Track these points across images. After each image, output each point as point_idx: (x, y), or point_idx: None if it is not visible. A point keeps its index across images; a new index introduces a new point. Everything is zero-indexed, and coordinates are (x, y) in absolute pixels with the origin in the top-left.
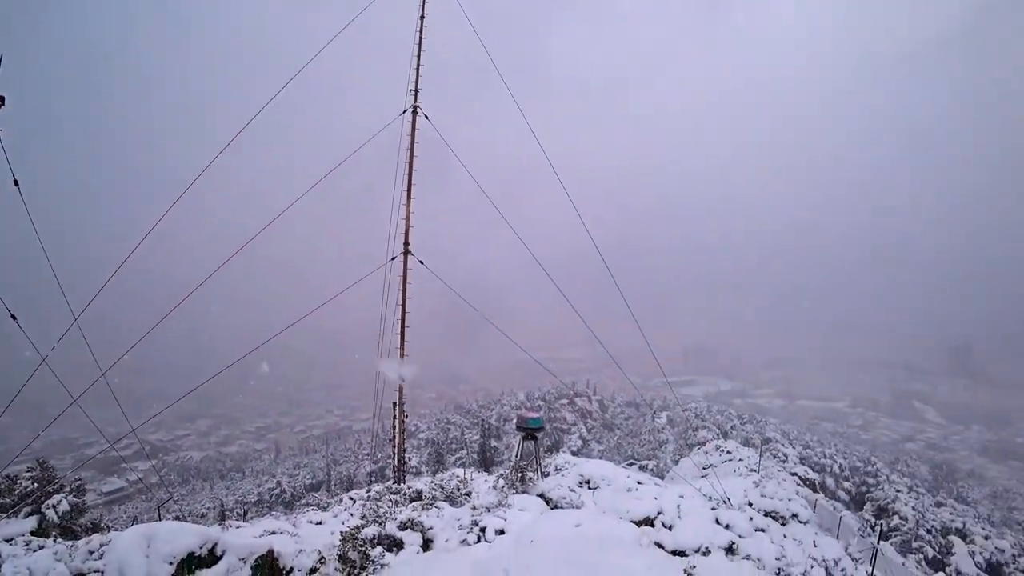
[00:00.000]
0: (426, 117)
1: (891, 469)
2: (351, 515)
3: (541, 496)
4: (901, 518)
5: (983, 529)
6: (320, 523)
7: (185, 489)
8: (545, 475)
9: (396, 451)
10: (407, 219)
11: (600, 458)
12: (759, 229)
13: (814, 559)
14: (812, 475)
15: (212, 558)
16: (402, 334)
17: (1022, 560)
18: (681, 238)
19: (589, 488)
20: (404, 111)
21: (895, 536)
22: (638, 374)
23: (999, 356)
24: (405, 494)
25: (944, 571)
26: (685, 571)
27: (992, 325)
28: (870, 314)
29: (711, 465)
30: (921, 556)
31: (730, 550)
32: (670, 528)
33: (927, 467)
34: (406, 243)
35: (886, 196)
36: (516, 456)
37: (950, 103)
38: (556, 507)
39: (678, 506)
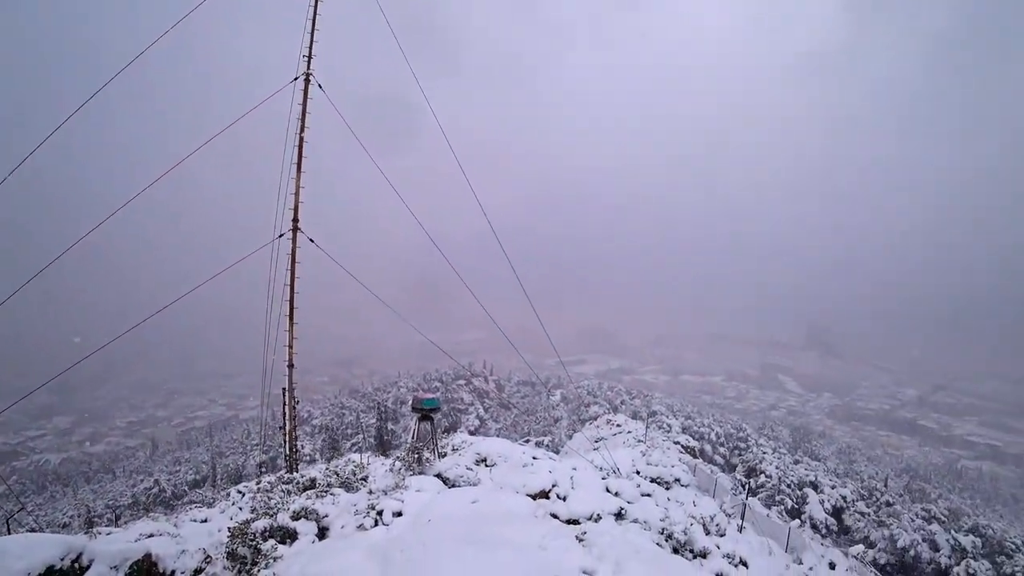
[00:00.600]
0: (319, 86)
1: (759, 434)
2: (240, 509)
3: (439, 476)
4: (766, 476)
5: (830, 480)
6: (206, 520)
7: (42, 497)
8: (443, 455)
9: (287, 439)
10: (296, 194)
11: (497, 436)
12: (651, 223)
13: (693, 517)
14: (693, 443)
15: (77, 570)
16: (291, 317)
17: (859, 504)
18: (581, 226)
19: (486, 466)
20: (295, 78)
21: (761, 492)
22: (534, 354)
23: (845, 333)
24: (298, 483)
25: (800, 518)
26: (577, 537)
27: (840, 307)
28: (743, 298)
29: (602, 438)
30: (782, 507)
31: (619, 515)
32: (564, 499)
33: (788, 430)
34: (295, 220)
35: (762, 198)
36: (412, 438)
37: (823, 113)
38: (454, 486)
39: (571, 478)
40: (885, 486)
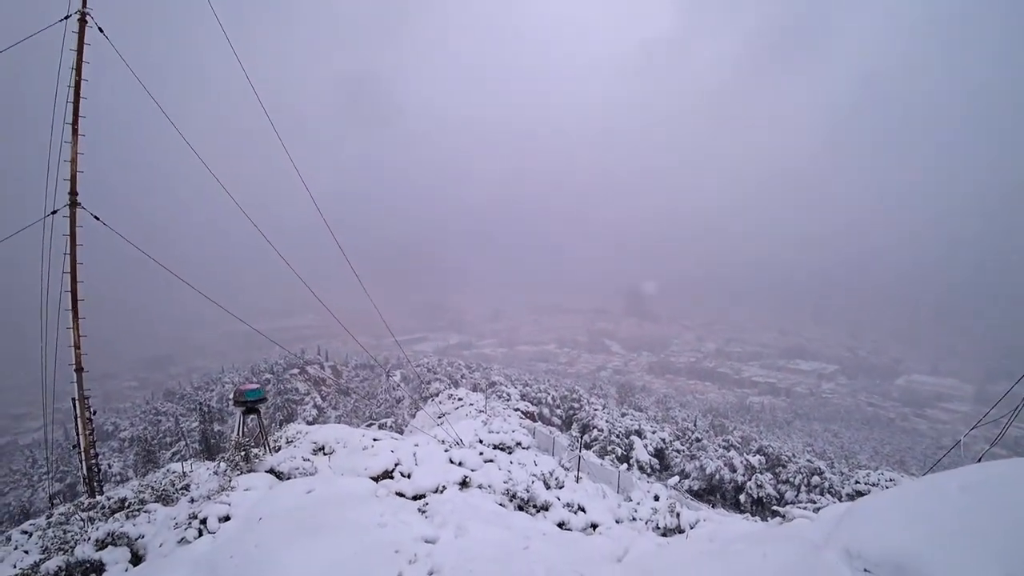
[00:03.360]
0: (100, 30)
1: (590, 394)
2: (26, 553)
3: (271, 472)
4: (599, 430)
5: (651, 427)
6: None
7: None
8: (276, 449)
9: (83, 457)
10: (73, 161)
11: (338, 423)
12: (481, 201)
13: (535, 475)
14: (532, 408)
15: None
16: (74, 312)
17: (675, 443)
18: (416, 205)
19: (324, 454)
20: (67, 16)
21: (595, 445)
22: (371, 336)
23: (659, 298)
24: (104, 507)
25: (628, 462)
26: (419, 509)
27: (653, 275)
28: (570, 272)
29: (445, 413)
30: (614, 455)
31: (464, 484)
32: (409, 476)
33: (614, 388)
34: (73, 192)
35: (599, 184)
36: (237, 434)
37: (653, 101)
38: (289, 479)
39: (414, 455)
40: (695, 426)
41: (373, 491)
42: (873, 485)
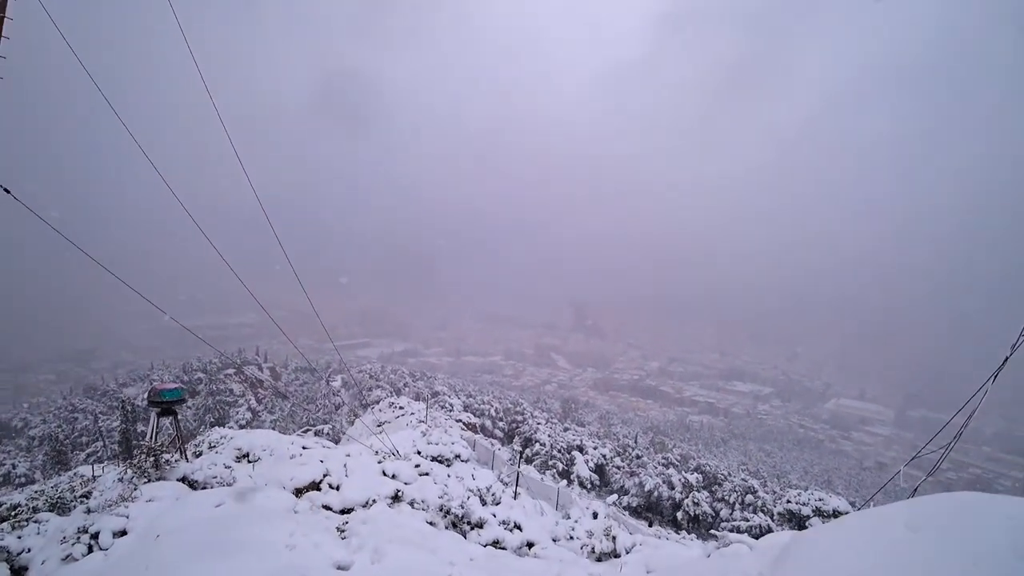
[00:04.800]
0: None
1: (534, 407)
2: None
3: (184, 480)
4: (541, 444)
5: (593, 443)
6: None
7: None
8: (197, 455)
9: None
10: None
11: (273, 428)
12: (440, 207)
13: (471, 490)
14: (474, 420)
15: None
16: None
17: (616, 459)
18: (369, 214)
19: (248, 461)
20: None
21: (536, 459)
22: (314, 338)
23: (606, 315)
24: None
25: (569, 478)
26: (338, 528)
27: (602, 292)
28: (520, 284)
29: (385, 422)
30: (555, 470)
31: (396, 498)
32: (338, 488)
33: (559, 402)
34: None
35: (565, 199)
36: (150, 437)
37: (616, 122)
38: (205, 488)
39: (345, 465)
40: (635, 442)
41: (291, 506)
42: (803, 505)
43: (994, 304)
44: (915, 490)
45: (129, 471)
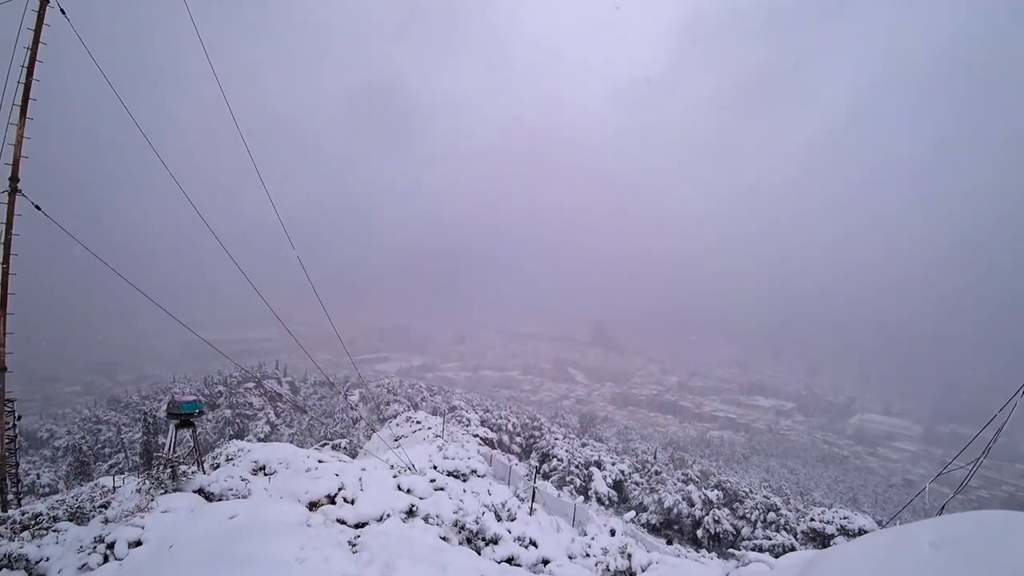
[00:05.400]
0: (62, 11)
1: (552, 422)
2: None
3: (200, 492)
4: (558, 460)
5: (611, 459)
6: None
7: None
8: (215, 467)
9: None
10: (18, 145)
11: (291, 442)
12: (460, 220)
13: (486, 506)
14: (491, 435)
15: None
16: (2, 304)
17: (634, 475)
18: (383, 232)
19: (265, 474)
20: None
21: (554, 475)
22: (334, 353)
23: (624, 329)
24: (13, 522)
25: (587, 494)
26: (350, 542)
27: (621, 306)
28: (539, 298)
29: (402, 436)
30: (572, 486)
31: (411, 513)
32: (352, 502)
33: (576, 417)
34: (14, 178)
35: (572, 208)
36: (168, 449)
37: (637, 139)
38: (221, 500)
39: (360, 479)
40: (654, 458)
41: (305, 519)
42: (827, 523)
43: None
44: (943, 508)
45: (147, 482)
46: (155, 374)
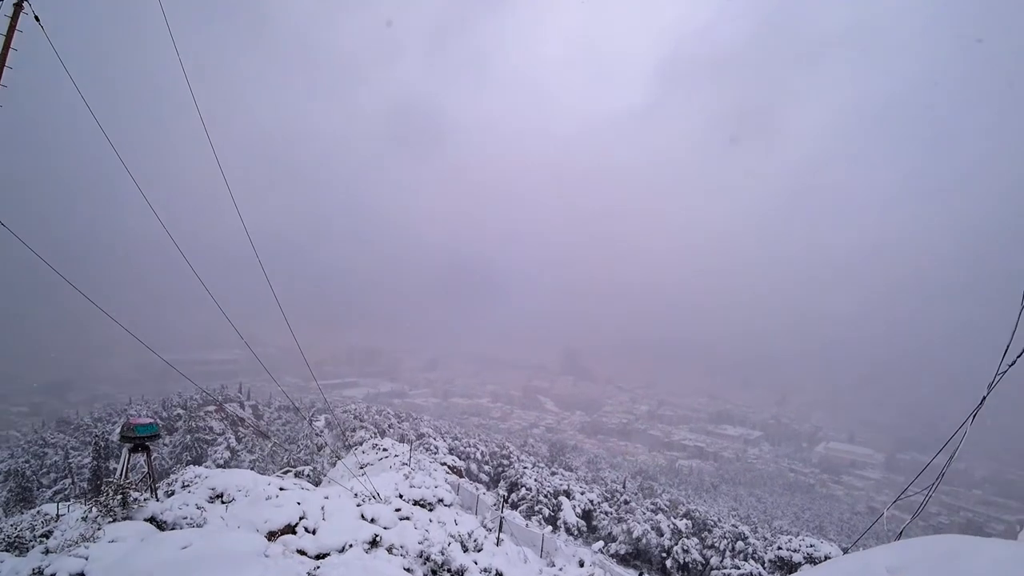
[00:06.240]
0: (36, 19)
1: (521, 451)
2: None
3: (152, 520)
4: (527, 489)
5: (580, 488)
6: None
7: None
8: (169, 493)
9: None
10: None
11: (252, 468)
12: (434, 250)
13: (452, 536)
14: (459, 463)
15: None
16: None
17: (603, 505)
18: (364, 248)
19: (223, 502)
20: None
21: (522, 504)
22: (300, 376)
23: (596, 358)
24: None
25: (555, 524)
26: (309, 574)
27: (592, 336)
28: (511, 327)
29: (367, 464)
30: (541, 516)
31: (374, 543)
32: (314, 532)
33: (546, 446)
34: None
35: (537, 238)
36: (120, 474)
37: (615, 169)
38: (174, 528)
39: (323, 508)
40: (624, 487)
41: (262, 549)
42: (794, 551)
43: (982, 350)
44: (900, 533)
45: (94, 510)
46: (109, 395)
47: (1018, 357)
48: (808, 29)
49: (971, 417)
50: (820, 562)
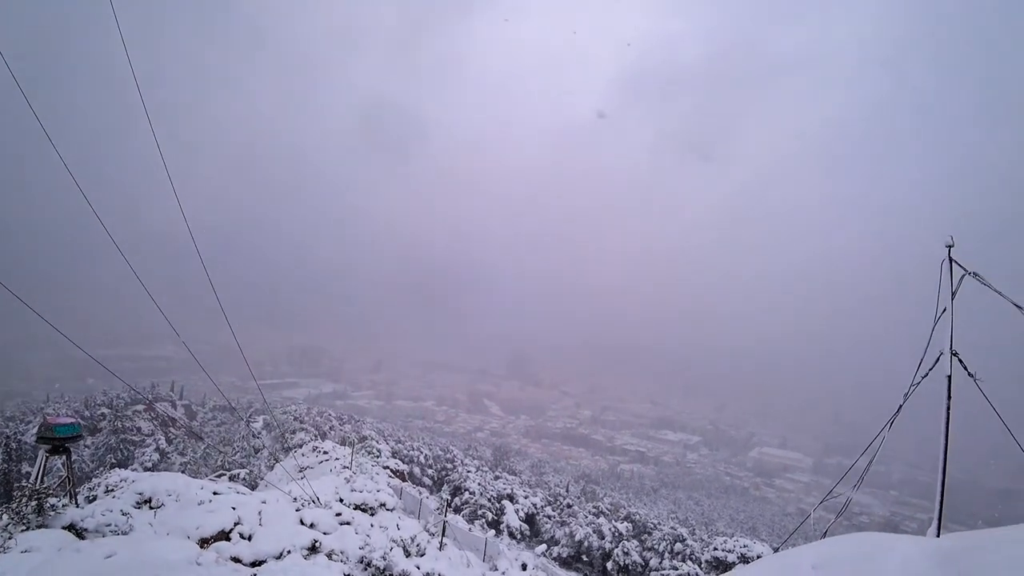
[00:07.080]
0: None
1: (465, 454)
2: None
3: (71, 528)
4: (470, 493)
5: (524, 492)
6: None
7: None
8: (91, 499)
9: None
10: None
11: (183, 471)
12: (383, 251)
13: (395, 541)
14: (402, 466)
15: None
16: None
17: (547, 508)
18: (304, 245)
19: (151, 508)
20: None
21: (465, 508)
22: (237, 375)
23: (541, 363)
24: None
25: (498, 528)
26: None
27: (539, 338)
28: (457, 329)
29: (307, 467)
30: (484, 520)
31: (313, 549)
32: (250, 538)
33: (490, 450)
34: None
35: (504, 246)
36: (35, 478)
37: (569, 177)
38: (96, 537)
39: (260, 513)
40: (567, 491)
41: (194, 557)
42: (729, 551)
43: (902, 360)
44: (825, 532)
45: (5, 517)
46: (24, 391)
47: (930, 369)
48: (759, 56)
49: (888, 424)
50: (752, 560)
